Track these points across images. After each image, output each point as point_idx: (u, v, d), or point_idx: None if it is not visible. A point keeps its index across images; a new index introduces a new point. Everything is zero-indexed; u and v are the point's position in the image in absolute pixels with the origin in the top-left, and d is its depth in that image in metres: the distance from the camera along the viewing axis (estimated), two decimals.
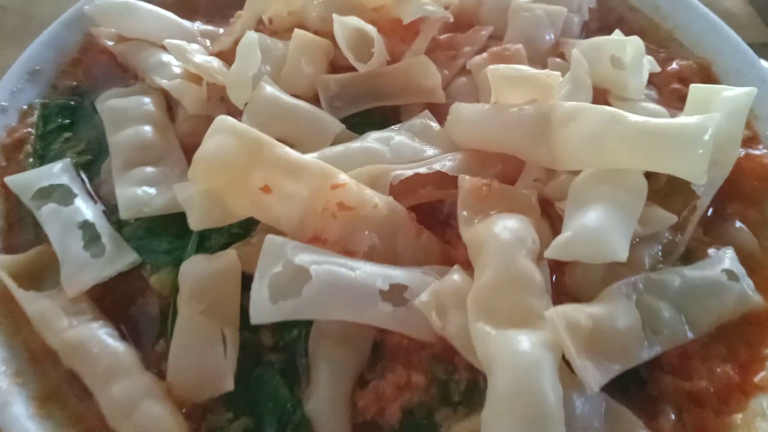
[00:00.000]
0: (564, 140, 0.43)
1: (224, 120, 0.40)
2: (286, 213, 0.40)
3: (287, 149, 0.40)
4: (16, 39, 0.87)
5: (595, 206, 0.40)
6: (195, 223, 0.39)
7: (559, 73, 0.45)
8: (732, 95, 0.46)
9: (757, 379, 0.39)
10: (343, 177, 0.40)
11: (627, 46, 0.48)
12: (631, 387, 0.40)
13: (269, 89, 0.46)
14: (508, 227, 0.40)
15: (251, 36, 0.46)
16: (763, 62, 0.56)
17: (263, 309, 0.36)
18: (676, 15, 0.59)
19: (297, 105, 0.47)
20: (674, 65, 0.56)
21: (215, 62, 0.47)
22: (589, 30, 0.60)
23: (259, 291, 0.36)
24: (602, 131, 0.42)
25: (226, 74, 0.46)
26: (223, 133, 0.40)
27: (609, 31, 0.59)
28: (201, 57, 0.47)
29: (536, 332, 0.36)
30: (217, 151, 0.39)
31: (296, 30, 0.50)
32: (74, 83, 0.54)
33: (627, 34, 0.59)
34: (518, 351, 0.34)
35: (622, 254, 0.37)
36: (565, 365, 0.36)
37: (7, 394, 0.37)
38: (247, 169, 0.39)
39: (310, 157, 0.42)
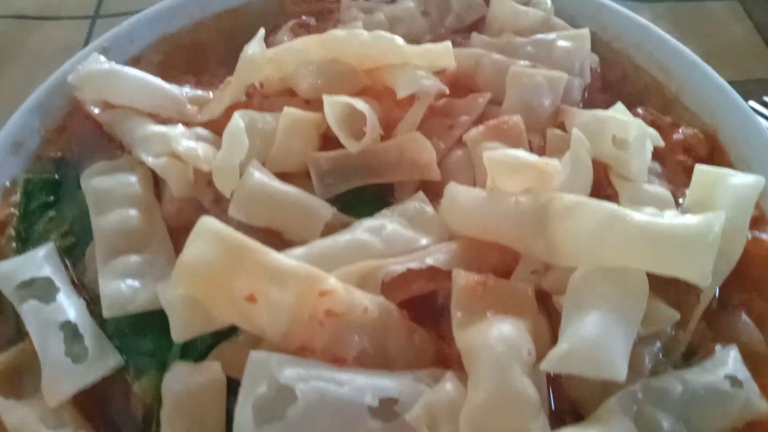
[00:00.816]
0: (562, 235, 0.42)
1: (207, 223, 0.39)
2: (272, 323, 0.38)
3: (273, 254, 0.39)
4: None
5: (593, 312, 0.39)
6: (178, 334, 0.38)
7: (557, 161, 0.44)
8: (739, 183, 0.45)
9: None
10: (331, 282, 0.39)
11: (630, 128, 0.47)
12: None
13: (257, 176, 0.45)
14: (503, 336, 0.39)
15: (238, 123, 0.44)
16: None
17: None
18: (682, 75, 0.57)
19: (286, 192, 0.46)
20: (679, 134, 0.54)
21: (200, 149, 0.45)
22: (591, 89, 0.58)
23: (243, 412, 0.35)
24: (602, 229, 0.41)
25: (212, 161, 0.45)
26: (206, 238, 0.39)
27: (612, 90, 0.59)
28: (186, 143, 0.46)
29: None
30: (199, 258, 0.38)
31: (285, 109, 0.48)
32: (59, 154, 0.53)
33: (631, 96, 0.59)
34: None
35: (620, 374, 0.36)
36: None
37: None
38: (230, 276, 0.38)
39: (297, 258, 0.41)
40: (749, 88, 0.86)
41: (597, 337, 0.38)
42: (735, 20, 0.96)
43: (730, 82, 0.87)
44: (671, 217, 0.42)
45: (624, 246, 0.40)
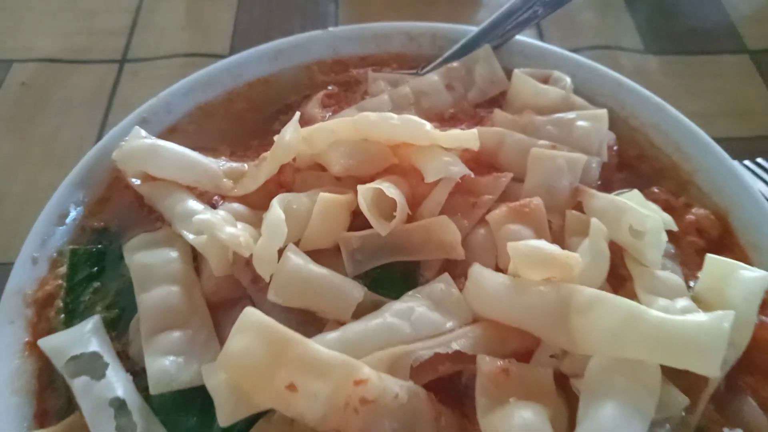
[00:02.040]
0: (583, 328, 0.46)
1: (251, 314, 0.43)
2: (310, 409, 0.42)
3: (311, 345, 0.43)
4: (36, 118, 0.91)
5: (609, 403, 0.43)
6: (223, 419, 0.42)
7: (578, 256, 0.48)
8: (749, 277, 0.49)
9: None
10: (365, 372, 0.43)
11: (647, 221, 0.50)
12: None
13: (294, 260, 0.49)
14: (525, 423, 0.43)
15: (278, 214, 0.48)
16: None
17: None
18: (697, 157, 0.61)
19: (321, 275, 0.49)
20: (692, 215, 0.58)
21: (242, 235, 0.49)
22: (608, 167, 0.62)
23: None
24: (622, 325, 0.44)
25: (252, 247, 0.49)
26: (249, 331, 0.42)
27: (628, 169, 0.62)
28: (228, 230, 0.50)
29: None
30: (243, 350, 0.42)
31: (321, 195, 0.52)
32: (102, 224, 0.57)
33: (646, 172, 0.62)
34: None
35: None
36: None
37: None
38: (272, 368, 0.42)
39: (331, 343, 0.45)
40: (757, 145, 0.91)
41: (613, 426, 0.41)
42: (745, 74, 1.00)
43: (738, 138, 0.91)
44: (685, 312, 0.45)
45: (642, 342, 0.44)
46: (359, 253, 0.54)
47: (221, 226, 0.49)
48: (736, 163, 0.60)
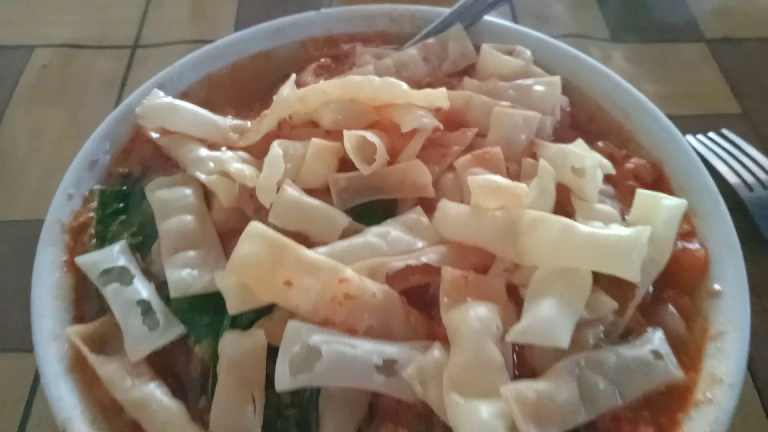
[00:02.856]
0: (528, 243, 0.56)
1: (255, 227, 0.54)
2: (303, 302, 0.53)
3: (305, 251, 0.54)
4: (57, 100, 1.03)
5: (547, 300, 0.53)
6: (232, 308, 0.53)
7: (526, 186, 0.59)
8: (669, 204, 0.60)
9: None
10: (348, 273, 0.54)
11: (585, 160, 0.61)
12: None
13: (290, 192, 0.60)
14: (478, 316, 0.53)
15: (277, 151, 0.59)
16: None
17: (285, 380, 0.49)
18: (638, 118, 0.72)
19: (312, 204, 0.60)
20: (631, 164, 0.69)
21: (246, 170, 0.60)
22: (562, 127, 0.73)
23: (282, 367, 0.49)
24: (558, 239, 0.55)
25: (255, 179, 0.60)
26: (254, 239, 0.53)
27: (579, 128, 0.74)
28: (236, 165, 0.61)
29: (494, 403, 0.49)
30: (249, 254, 0.53)
31: (313, 140, 0.63)
32: (126, 170, 0.68)
33: (595, 132, 0.74)
34: (479, 419, 0.47)
35: (564, 342, 0.50)
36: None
37: None
38: (273, 269, 0.53)
39: (322, 255, 0.55)
40: (709, 122, 1.02)
41: (548, 317, 0.52)
42: (702, 61, 1.12)
43: (692, 116, 1.03)
44: (611, 229, 0.56)
45: (575, 252, 0.55)
46: (345, 192, 0.64)
47: (230, 162, 0.60)
48: (670, 123, 0.71)
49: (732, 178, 0.93)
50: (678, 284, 0.61)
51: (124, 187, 0.67)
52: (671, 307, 0.60)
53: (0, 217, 0.89)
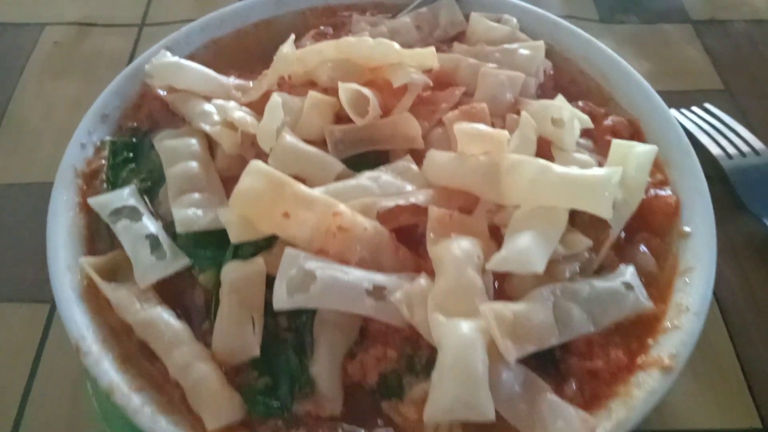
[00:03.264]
0: (508, 184, 0.61)
1: (256, 164, 0.58)
2: (300, 233, 0.58)
3: (302, 187, 0.58)
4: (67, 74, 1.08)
5: (525, 234, 0.58)
6: (234, 238, 0.58)
7: (506, 132, 0.63)
8: (640, 150, 0.64)
9: (639, 361, 0.56)
10: (342, 207, 0.58)
11: (563, 111, 0.66)
12: (548, 366, 0.57)
13: (289, 138, 0.65)
14: (461, 247, 0.58)
15: (276, 100, 0.64)
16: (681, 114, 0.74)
17: (282, 300, 0.53)
18: (616, 80, 0.77)
19: (309, 150, 0.65)
20: (609, 121, 0.73)
21: (248, 117, 0.65)
22: (545, 88, 0.78)
23: (280, 288, 0.54)
24: (536, 179, 0.60)
25: (256, 126, 0.65)
26: (255, 175, 0.58)
27: (561, 90, 0.78)
28: (238, 113, 0.65)
29: (474, 321, 0.53)
30: (250, 189, 0.57)
31: (310, 92, 0.68)
32: (135, 124, 0.73)
33: (576, 94, 0.78)
34: (459, 333, 0.52)
35: (539, 268, 0.55)
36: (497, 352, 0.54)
37: (98, 354, 0.55)
38: (272, 202, 0.57)
39: (318, 193, 0.60)
40: (693, 97, 1.07)
41: (525, 247, 0.56)
42: (687, 41, 1.16)
43: (677, 92, 1.08)
44: (585, 170, 0.61)
45: (551, 190, 0.60)
46: (341, 143, 0.69)
47: (233, 111, 0.65)
48: (646, 83, 0.76)
49: (714, 149, 0.98)
50: (650, 227, 0.66)
51: (134, 139, 0.72)
52: (643, 247, 0.64)
53: (16, 180, 0.94)
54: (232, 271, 0.57)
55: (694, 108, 1.04)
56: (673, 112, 1.03)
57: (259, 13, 0.83)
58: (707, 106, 1.05)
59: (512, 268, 0.56)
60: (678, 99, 1.02)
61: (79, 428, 0.73)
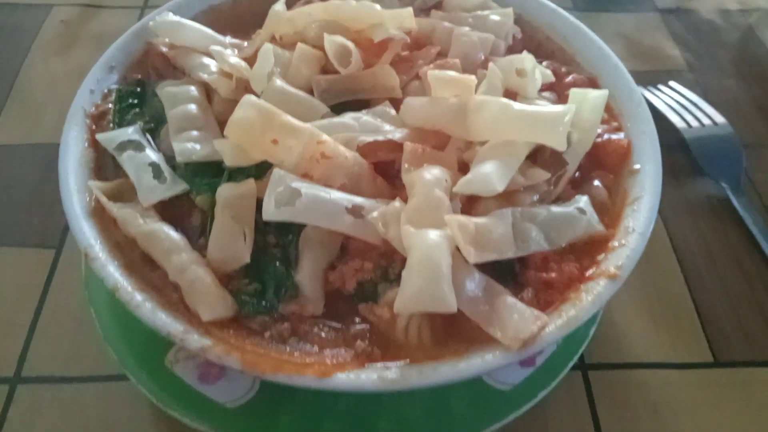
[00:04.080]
0: (474, 121, 0.68)
1: (249, 97, 0.66)
2: (287, 158, 0.65)
3: (289, 118, 0.66)
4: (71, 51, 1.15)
5: (488, 162, 0.66)
6: (228, 162, 0.65)
7: (474, 77, 0.71)
8: (594, 95, 0.72)
9: (588, 273, 0.64)
10: (325, 137, 0.66)
11: (525, 60, 0.74)
12: (507, 278, 0.64)
13: (279, 83, 0.72)
14: (431, 173, 0.65)
15: (267, 46, 0.72)
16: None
17: (270, 211, 0.60)
18: (578, 44, 0.85)
19: (297, 93, 0.73)
20: (570, 78, 0.81)
21: (242, 63, 0.73)
22: (514, 52, 0.85)
23: (268, 201, 0.61)
24: (498, 115, 0.67)
25: (249, 71, 0.72)
26: (247, 107, 0.65)
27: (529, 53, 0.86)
28: (234, 59, 0.73)
29: (441, 231, 0.60)
30: (242, 118, 0.65)
31: (299, 44, 0.76)
32: (139, 76, 0.81)
33: (542, 56, 0.86)
34: (427, 238, 0.59)
35: (499, 188, 0.62)
36: (461, 260, 0.61)
37: (104, 260, 0.61)
38: (262, 130, 0.64)
39: (304, 124, 0.67)
40: (658, 76, 1.16)
41: (488, 172, 0.64)
42: (654, 28, 1.26)
43: (644, 71, 1.16)
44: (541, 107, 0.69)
45: (511, 125, 0.67)
46: (326, 93, 0.77)
47: (229, 56, 0.73)
48: (604, 44, 0.84)
49: (677, 121, 1.07)
50: (604, 167, 0.73)
51: (138, 89, 0.79)
52: (597, 182, 0.72)
53: (24, 141, 1.01)
54: (225, 190, 0.64)
55: (659, 86, 1.13)
56: (641, 89, 1.13)
57: None
58: (672, 83, 1.13)
59: (475, 190, 0.63)
60: (644, 78, 1.11)
61: (83, 354, 0.79)
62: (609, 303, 0.77)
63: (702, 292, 0.89)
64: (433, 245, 0.58)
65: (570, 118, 0.66)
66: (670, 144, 1.03)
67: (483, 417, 0.70)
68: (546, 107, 0.68)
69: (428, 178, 0.64)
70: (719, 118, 1.07)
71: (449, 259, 0.58)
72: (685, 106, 1.09)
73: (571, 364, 0.75)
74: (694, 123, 1.07)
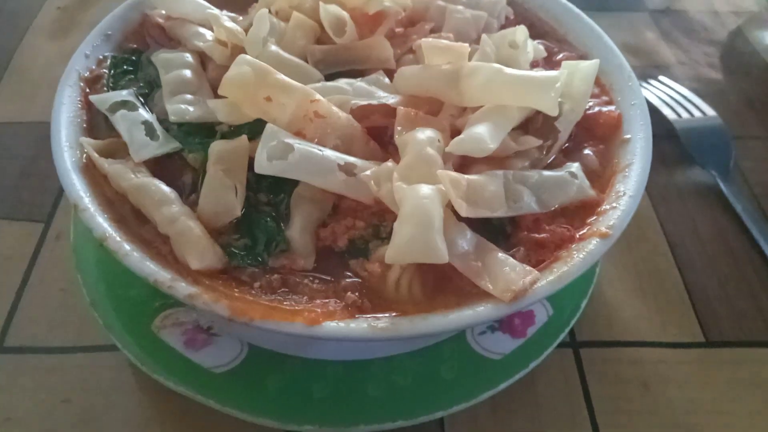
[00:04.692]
0: (467, 86, 0.69)
1: (243, 56, 0.66)
2: (280, 115, 0.65)
3: (283, 76, 0.66)
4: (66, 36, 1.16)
5: (481, 124, 0.66)
6: (223, 118, 0.65)
7: (467, 44, 0.72)
8: (585, 65, 0.73)
9: (579, 234, 0.64)
10: (318, 96, 0.66)
11: (517, 32, 0.75)
12: (499, 238, 0.64)
13: (273, 48, 0.73)
14: (424, 133, 0.65)
15: (263, 11, 0.72)
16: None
17: (263, 164, 0.60)
18: (568, 23, 0.86)
19: (292, 59, 0.73)
20: (561, 56, 0.83)
21: (238, 28, 0.73)
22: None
23: (261, 154, 0.61)
24: (491, 79, 0.68)
25: (244, 36, 0.73)
26: (242, 65, 0.65)
27: None
28: (230, 23, 0.74)
29: (433, 186, 0.60)
30: (238, 75, 0.65)
31: (294, 13, 0.76)
32: (134, 46, 0.81)
33: (534, 36, 0.87)
34: (419, 191, 0.58)
35: (491, 147, 0.63)
36: (453, 218, 0.61)
37: (94, 212, 0.61)
38: (256, 87, 0.65)
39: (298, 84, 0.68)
40: (648, 71, 1.17)
41: (480, 132, 0.64)
42: (644, 27, 1.28)
43: (634, 66, 1.17)
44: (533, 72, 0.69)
45: (504, 90, 0.67)
46: (321, 63, 0.77)
47: (225, 20, 0.73)
48: (593, 23, 0.85)
49: (668, 112, 1.08)
50: (595, 137, 0.74)
51: (133, 57, 0.79)
52: (588, 151, 0.72)
53: (16, 119, 1.01)
54: (218, 145, 0.64)
55: (650, 80, 1.14)
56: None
57: None
58: (662, 78, 1.15)
59: (468, 149, 0.63)
60: (636, 73, 1.12)
61: (68, 323, 0.78)
62: (600, 282, 0.79)
63: (692, 273, 0.89)
64: (425, 197, 0.58)
65: (562, 84, 0.67)
66: (660, 135, 1.04)
67: (473, 384, 0.69)
68: (537, 72, 0.68)
69: (421, 137, 0.65)
70: (709, 110, 1.09)
71: (441, 212, 0.58)
72: (675, 99, 1.11)
73: (562, 336, 0.74)
74: (684, 114, 1.08)
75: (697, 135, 1.05)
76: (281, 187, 0.65)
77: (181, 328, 0.72)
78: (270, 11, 0.82)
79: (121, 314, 0.72)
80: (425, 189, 0.59)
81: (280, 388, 0.68)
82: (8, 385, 0.74)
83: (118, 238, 0.59)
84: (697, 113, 1.09)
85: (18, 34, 1.15)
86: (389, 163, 0.64)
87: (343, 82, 0.72)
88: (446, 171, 0.61)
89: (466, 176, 0.62)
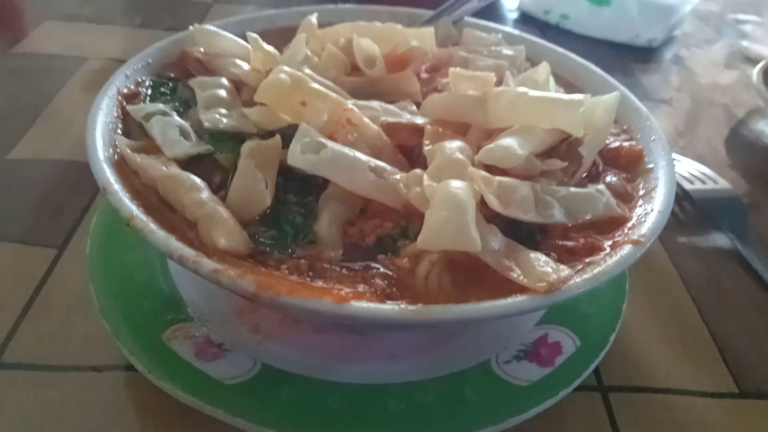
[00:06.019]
0: (494, 107, 0.71)
1: (281, 66, 0.69)
2: (315, 119, 0.66)
3: (318, 85, 0.68)
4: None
5: (509, 137, 0.67)
6: (256, 119, 0.67)
7: (494, 74, 0.75)
8: (606, 97, 0.75)
9: (607, 245, 0.63)
10: (351, 104, 0.68)
11: (540, 69, 0.79)
12: (529, 246, 0.62)
13: (308, 71, 0.76)
14: (452, 143, 0.67)
15: (300, 36, 0.77)
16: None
17: (296, 156, 0.60)
18: (586, 78, 0.91)
19: (325, 82, 0.76)
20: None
21: (275, 51, 0.77)
22: None
23: (294, 147, 0.61)
24: (515, 100, 0.70)
25: (280, 57, 0.76)
26: (280, 71, 0.68)
27: None
28: (268, 46, 0.78)
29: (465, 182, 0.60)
30: (275, 80, 0.67)
31: (328, 45, 0.81)
32: (173, 75, 0.84)
33: None
34: (451, 184, 0.59)
35: (522, 155, 0.63)
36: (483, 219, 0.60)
37: (122, 194, 0.60)
38: (292, 93, 0.67)
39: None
40: None
41: (509, 144, 0.65)
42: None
43: None
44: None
45: (529, 112, 0.70)
46: (351, 94, 0.80)
47: (262, 42, 0.77)
48: (609, 77, 0.90)
49: (680, 180, 1.11)
50: (617, 165, 0.75)
51: (170, 84, 0.82)
52: (612, 174, 0.73)
53: (46, 156, 1.04)
54: (250, 143, 0.65)
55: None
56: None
57: (285, 20, 0.99)
58: (674, 155, 1.18)
59: (498, 158, 0.64)
60: None
61: (71, 337, 0.75)
62: (626, 324, 0.76)
63: (719, 326, 0.87)
64: (457, 186, 0.58)
65: (586, 108, 0.69)
66: (677, 202, 1.06)
67: (500, 408, 0.65)
68: (562, 95, 0.71)
69: (450, 145, 0.66)
70: (721, 180, 1.11)
71: (474, 203, 0.58)
72: (689, 171, 1.14)
73: (592, 367, 0.71)
74: (698, 184, 1.11)
75: (713, 201, 1.07)
76: (309, 189, 0.65)
77: (193, 341, 0.69)
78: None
79: (131, 324, 0.69)
80: (457, 182, 0.59)
81: (294, 401, 0.63)
82: (1, 401, 0.69)
83: (144, 218, 0.58)
84: (710, 183, 1.11)
85: (56, 86, 1.20)
86: (418, 170, 0.64)
87: (374, 104, 0.74)
88: (477, 170, 0.61)
89: (497, 177, 0.62)
